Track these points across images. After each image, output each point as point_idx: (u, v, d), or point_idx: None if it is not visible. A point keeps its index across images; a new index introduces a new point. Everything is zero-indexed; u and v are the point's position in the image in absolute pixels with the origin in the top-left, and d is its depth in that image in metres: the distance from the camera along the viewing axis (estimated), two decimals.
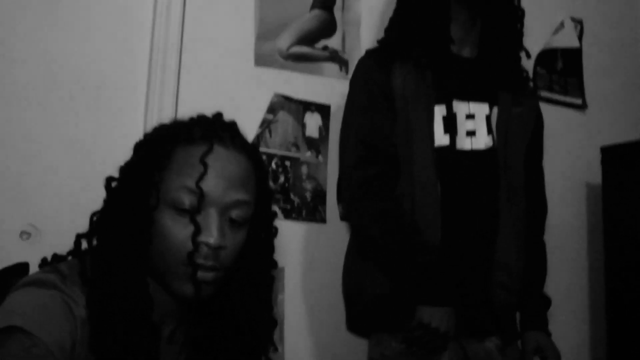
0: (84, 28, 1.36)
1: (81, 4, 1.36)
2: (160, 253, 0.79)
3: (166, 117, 1.30)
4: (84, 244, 0.88)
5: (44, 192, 1.26)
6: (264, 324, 0.90)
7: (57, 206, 1.27)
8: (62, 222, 1.21)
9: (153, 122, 1.32)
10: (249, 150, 0.86)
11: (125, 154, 1.21)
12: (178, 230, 0.78)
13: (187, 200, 0.79)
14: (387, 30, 1.42)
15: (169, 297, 0.82)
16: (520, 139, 1.37)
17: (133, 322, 0.78)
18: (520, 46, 1.42)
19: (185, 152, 0.81)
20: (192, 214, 0.79)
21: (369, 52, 1.42)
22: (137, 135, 1.26)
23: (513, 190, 1.33)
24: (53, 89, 1.31)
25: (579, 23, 1.95)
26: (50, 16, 1.32)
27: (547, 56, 1.87)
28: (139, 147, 0.86)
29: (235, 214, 0.81)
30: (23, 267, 1.06)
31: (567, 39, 1.92)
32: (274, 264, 0.91)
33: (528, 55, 1.47)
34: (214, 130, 0.84)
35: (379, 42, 1.42)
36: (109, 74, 1.35)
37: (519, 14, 1.41)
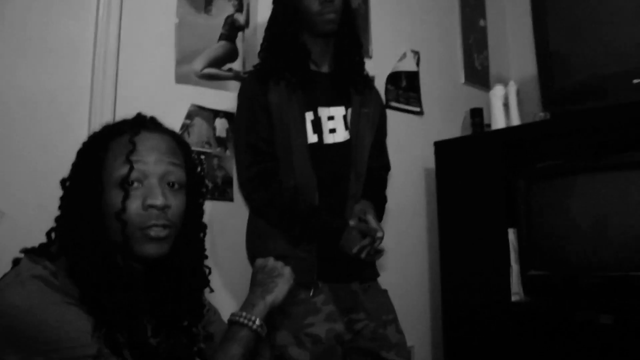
0: (39, 59, 1.38)
1: (39, 42, 1.38)
2: (119, 227, 0.80)
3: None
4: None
5: (7, 185, 1.31)
6: (201, 272, 0.96)
7: (18, 197, 1.32)
8: (21, 209, 1.30)
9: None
10: (171, 132, 0.92)
11: (73, 155, 1.27)
12: (130, 203, 0.80)
13: (129, 176, 0.81)
14: (261, 57, 1.54)
15: (136, 265, 0.85)
16: (368, 131, 1.54)
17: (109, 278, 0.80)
18: (362, 60, 1.58)
19: (118, 142, 0.84)
20: (133, 185, 0.81)
21: (250, 73, 1.53)
22: (82, 140, 1.28)
23: (359, 168, 1.50)
24: (20, 104, 1.34)
25: (416, 54, 2.28)
26: (15, 47, 1.36)
27: (395, 77, 2.17)
28: (80, 151, 0.89)
29: (171, 177, 0.85)
30: None
31: (408, 65, 2.22)
32: (204, 227, 0.96)
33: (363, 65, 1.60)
34: (139, 121, 0.89)
35: (254, 66, 1.55)
36: (59, 94, 1.40)
37: (359, 38, 1.59)
